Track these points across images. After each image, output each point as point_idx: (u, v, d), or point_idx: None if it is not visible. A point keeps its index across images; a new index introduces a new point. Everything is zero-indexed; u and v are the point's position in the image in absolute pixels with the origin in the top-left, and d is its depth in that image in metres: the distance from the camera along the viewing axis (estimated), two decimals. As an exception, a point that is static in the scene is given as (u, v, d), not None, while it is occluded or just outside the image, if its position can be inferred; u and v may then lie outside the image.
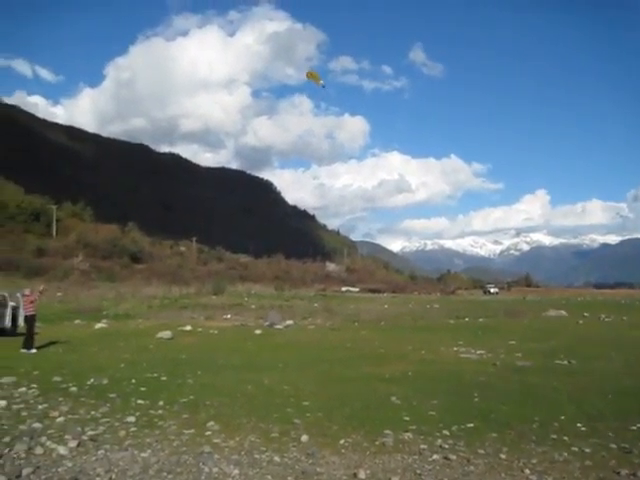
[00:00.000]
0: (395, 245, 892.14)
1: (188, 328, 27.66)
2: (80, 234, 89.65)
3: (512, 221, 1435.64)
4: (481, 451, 7.90)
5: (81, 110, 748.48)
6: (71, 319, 33.09)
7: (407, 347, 20.70)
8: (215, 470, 7.04)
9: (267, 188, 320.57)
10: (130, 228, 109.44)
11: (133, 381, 12.72)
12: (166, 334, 23.87)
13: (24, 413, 9.51)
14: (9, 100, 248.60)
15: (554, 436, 8.62)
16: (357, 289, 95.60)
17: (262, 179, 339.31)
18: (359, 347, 20.83)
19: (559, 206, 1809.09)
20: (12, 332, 23.59)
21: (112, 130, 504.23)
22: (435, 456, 7.70)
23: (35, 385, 11.93)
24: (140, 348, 20.05)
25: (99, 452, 7.53)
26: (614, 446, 8.10)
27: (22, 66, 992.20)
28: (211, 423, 9.11)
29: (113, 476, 6.75)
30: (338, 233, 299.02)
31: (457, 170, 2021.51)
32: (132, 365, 15.57)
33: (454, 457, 7.62)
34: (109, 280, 70.73)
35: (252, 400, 11.02)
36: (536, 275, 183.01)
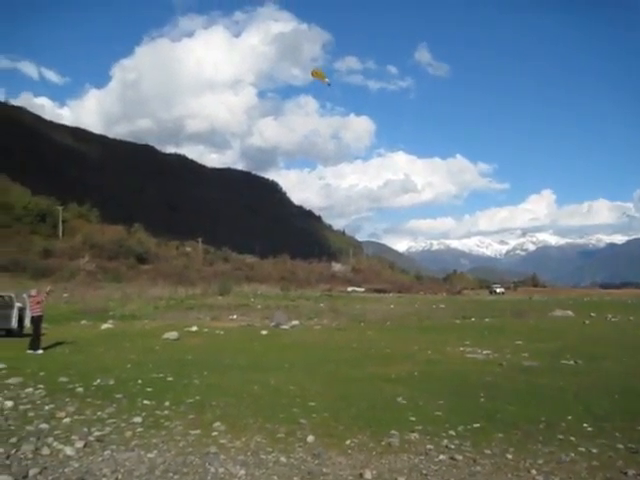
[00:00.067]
0: (401, 245, 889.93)
1: (194, 329, 27.71)
2: (86, 235, 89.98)
3: (518, 221, 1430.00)
4: (487, 451, 7.88)
5: (87, 111, 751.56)
6: (77, 320, 33.21)
7: (413, 347, 20.68)
8: (221, 470, 7.04)
9: (273, 188, 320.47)
10: (136, 229, 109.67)
11: (139, 382, 12.74)
12: (172, 335, 23.91)
13: (31, 414, 9.54)
14: (15, 102, 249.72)
15: (561, 436, 8.59)
16: (363, 289, 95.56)
17: (268, 179, 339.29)
18: (365, 347, 20.83)
19: (565, 206, 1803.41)
20: (19, 333, 23.70)
21: (118, 131, 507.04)
22: (441, 456, 7.68)
23: (42, 386, 11.96)
24: (146, 349, 20.08)
25: (105, 452, 7.54)
26: (621, 446, 8.07)
27: (28, 68, 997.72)
28: (217, 423, 9.11)
29: (119, 476, 6.76)
30: (344, 233, 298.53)
31: (463, 170, 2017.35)
32: (138, 366, 15.60)
33: (460, 457, 7.60)
34: (115, 281, 70.89)
35: (258, 400, 11.02)
36: (542, 275, 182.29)
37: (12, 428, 8.58)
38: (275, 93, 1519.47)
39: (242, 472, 7.00)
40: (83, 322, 32.21)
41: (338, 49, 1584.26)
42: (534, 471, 7.11)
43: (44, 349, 19.08)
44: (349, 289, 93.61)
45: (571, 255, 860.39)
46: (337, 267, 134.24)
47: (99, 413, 9.68)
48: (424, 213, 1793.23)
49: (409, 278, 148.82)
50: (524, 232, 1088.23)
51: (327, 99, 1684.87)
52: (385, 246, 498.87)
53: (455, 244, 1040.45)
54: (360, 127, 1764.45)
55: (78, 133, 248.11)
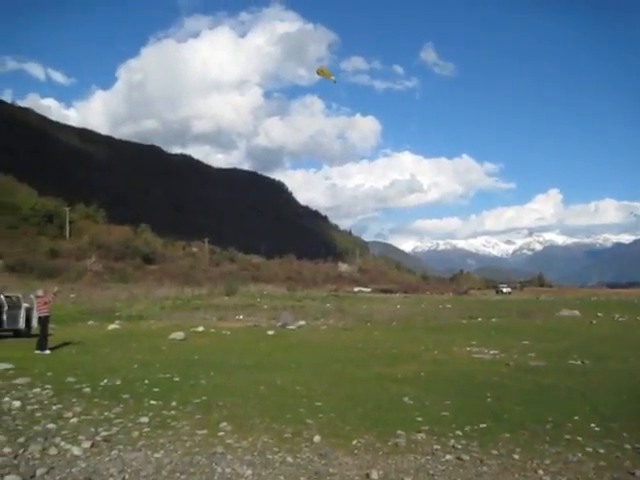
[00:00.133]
0: (407, 245, 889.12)
1: (200, 329, 27.77)
2: (93, 235, 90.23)
3: (525, 221, 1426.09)
4: (494, 452, 7.85)
5: (93, 112, 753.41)
6: (84, 320, 33.35)
7: (420, 347, 20.67)
8: (228, 471, 7.03)
9: (279, 189, 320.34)
10: (142, 229, 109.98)
11: (146, 382, 12.76)
12: (179, 335, 23.96)
13: (38, 414, 9.56)
14: (22, 103, 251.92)
15: (568, 436, 8.56)
16: (369, 289, 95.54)
17: (274, 180, 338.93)
18: (371, 347, 20.82)
19: (572, 205, 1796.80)
20: (26, 333, 23.83)
21: (124, 132, 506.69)
22: (448, 456, 7.66)
23: (49, 386, 11.99)
24: (153, 349, 20.14)
25: (113, 453, 7.55)
26: (628, 446, 8.03)
27: (35, 69, 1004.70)
28: (224, 424, 9.11)
29: (126, 476, 6.76)
30: (350, 233, 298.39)
31: (469, 170, 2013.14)
32: (145, 366, 15.63)
33: (467, 457, 7.58)
34: (122, 281, 71.13)
35: (265, 400, 11.03)
36: (549, 275, 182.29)
37: (20, 428, 8.59)
38: (281, 93, 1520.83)
39: (249, 472, 7.00)
40: (90, 322, 32.34)
41: (344, 49, 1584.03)
42: (541, 471, 7.08)
43: (51, 349, 19.15)
44: (355, 289, 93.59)
45: (578, 255, 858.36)
46: (343, 267, 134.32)
47: (106, 413, 9.69)
48: (430, 213, 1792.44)
49: (415, 278, 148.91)
50: (531, 232, 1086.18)
51: (333, 99, 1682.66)
52: (391, 246, 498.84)
53: (461, 244, 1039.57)
54: (366, 127, 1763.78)
55: (85, 134, 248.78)
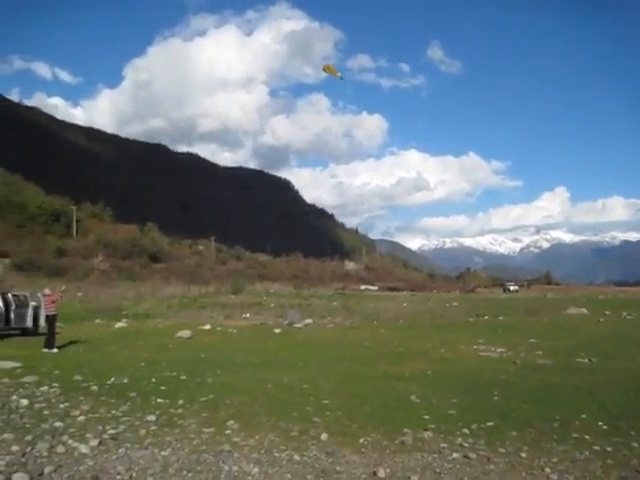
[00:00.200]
0: (414, 243, 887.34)
1: (207, 327, 27.81)
2: (100, 234, 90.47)
3: (532, 218, 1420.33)
4: (501, 450, 7.84)
5: (100, 111, 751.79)
6: (91, 319, 33.41)
7: (426, 345, 20.66)
8: (235, 469, 7.04)
9: (285, 187, 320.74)
10: (149, 228, 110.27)
11: (153, 380, 12.78)
12: (185, 333, 24.00)
13: (46, 412, 9.59)
14: (29, 102, 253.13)
15: (575, 435, 8.54)
16: (376, 287, 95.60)
17: (280, 178, 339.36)
18: (378, 346, 20.82)
19: (579, 203, 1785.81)
20: (34, 332, 23.90)
21: (131, 131, 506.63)
22: (455, 455, 7.65)
23: (56, 384, 12.02)
24: (160, 347, 20.17)
25: (120, 451, 7.56)
26: (636, 445, 8.01)
27: (42, 68, 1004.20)
28: (231, 422, 9.12)
29: (134, 474, 6.77)
30: (356, 231, 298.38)
31: (476, 168, 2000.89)
32: (152, 364, 15.66)
33: (474, 456, 7.57)
34: (129, 280, 71.27)
35: (272, 399, 11.04)
36: (556, 273, 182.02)
37: (27, 426, 8.62)
38: (287, 91, 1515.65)
39: (256, 470, 7.01)
40: (97, 321, 32.40)
41: (350, 47, 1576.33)
42: (548, 470, 7.07)
43: (59, 348, 19.19)
44: (362, 287, 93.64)
45: (585, 253, 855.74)
46: (350, 265, 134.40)
47: (113, 411, 9.71)
48: (437, 211, 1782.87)
49: (422, 276, 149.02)
50: (538, 230, 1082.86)
51: (339, 97, 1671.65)
52: (398, 244, 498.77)
53: (468, 242, 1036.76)
54: (372, 125, 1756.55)
55: (91, 133, 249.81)
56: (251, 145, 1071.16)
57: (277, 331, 26.80)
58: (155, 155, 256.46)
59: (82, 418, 9.18)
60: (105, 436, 8.14)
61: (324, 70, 20.95)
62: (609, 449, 7.82)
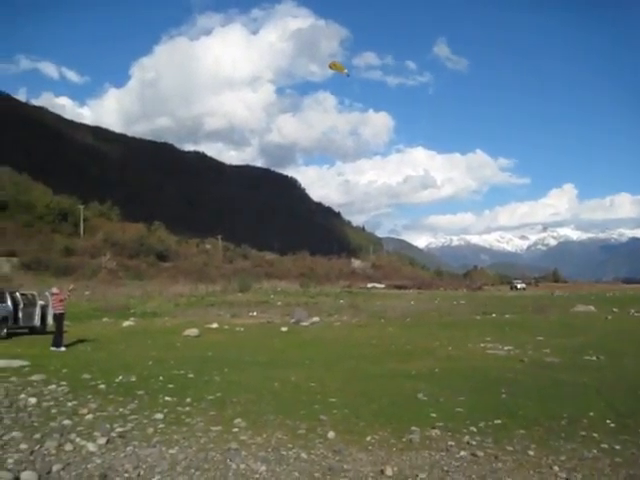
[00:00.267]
0: (421, 241, 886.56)
1: (214, 326, 27.89)
2: (107, 233, 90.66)
3: (539, 216, 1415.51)
4: (509, 448, 7.82)
5: (107, 110, 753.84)
6: (99, 317, 33.55)
7: (434, 343, 20.64)
8: (242, 467, 7.04)
9: (292, 185, 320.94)
10: (156, 227, 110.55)
11: (161, 378, 12.81)
12: (193, 332, 24.08)
13: (54, 410, 9.61)
14: (37, 102, 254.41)
15: (583, 433, 8.51)
16: (383, 285, 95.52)
17: (287, 176, 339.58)
18: (385, 344, 20.82)
19: (587, 200, 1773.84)
20: (42, 330, 24.01)
21: (138, 130, 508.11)
22: (462, 453, 7.63)
23: (64, 382, 12.04)
24: (167, 346, 20.23)
25: (128, 449, 7.57)
26: (645, 443, 7.98)
27: (49, 68, 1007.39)
28: (238, 420, 9.12)
29: (141, 472, 6.78)
30: (363, 229, 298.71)
31: (483, 165, 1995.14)
32: (159, 362, 15.69)
33: (482, 454, 7.55)
34: (136, 278, 71.54)
35: (279, 397, 11.04)
36: (564, 270, 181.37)
37: (36, 424, 8.64)
38: (293, 90, 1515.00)
39: (263, 468, 7.01)
40: (105, 320, 32.52)
41: (356, 45, 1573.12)
42: (556, 467, 7.04)
43: (67, 346, 19.25)
44: (369, 285, 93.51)
45: (593, 250, 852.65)
46: (357, 263, 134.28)
47: (121, 409, 9.73)
48: (444, 209, 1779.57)
49: (429, 274, 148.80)
50: (545, 227, 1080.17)
51: (345, 95, 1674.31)
52: (405, 242, 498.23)
53: (475, 239, 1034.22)
54: (379, 123, 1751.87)
55: (98, 132, 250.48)
56: (258, 143, 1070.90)
57: (284, 329, 26.86)
58: (162, 154, 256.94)
59: (90, 416, 9.20)
60: (113, 434, 8.16)
61: (331, 67, 20.91)
62: (617, 447, 7.79)
